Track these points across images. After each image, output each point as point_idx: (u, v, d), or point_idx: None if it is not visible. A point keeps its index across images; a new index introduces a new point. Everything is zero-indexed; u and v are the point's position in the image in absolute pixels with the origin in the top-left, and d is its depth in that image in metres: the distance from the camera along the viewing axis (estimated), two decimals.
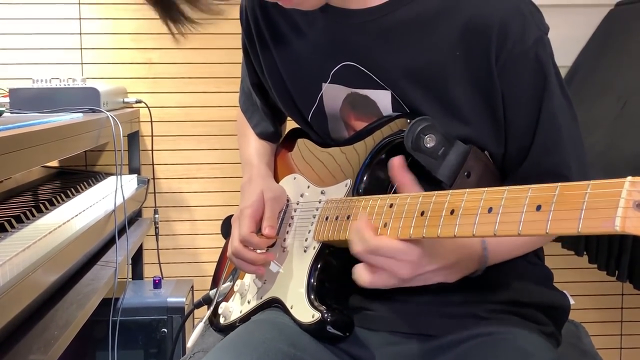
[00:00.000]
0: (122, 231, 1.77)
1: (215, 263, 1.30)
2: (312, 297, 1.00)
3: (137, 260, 2.31)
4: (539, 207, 0.69)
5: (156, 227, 2.35)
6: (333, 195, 1.05)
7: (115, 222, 1.72)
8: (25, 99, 1.84)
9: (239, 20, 1.16)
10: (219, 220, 1.29)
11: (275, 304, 1.07)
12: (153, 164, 2.39)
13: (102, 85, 1.96)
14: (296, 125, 1.24)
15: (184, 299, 1.98)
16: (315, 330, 0.99)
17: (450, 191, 0.81)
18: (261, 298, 1.10)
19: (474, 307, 1.02)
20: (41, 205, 1.52)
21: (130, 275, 2.22)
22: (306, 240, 1.05)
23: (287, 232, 1.11)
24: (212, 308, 1.17)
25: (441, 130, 0.96)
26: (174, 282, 2.14)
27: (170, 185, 2.41)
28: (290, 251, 1.08)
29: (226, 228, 1.28)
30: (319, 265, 1.02)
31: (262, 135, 1.26)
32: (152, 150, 2.38)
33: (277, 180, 1.19)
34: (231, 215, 1.30)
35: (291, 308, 1.03)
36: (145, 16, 2.32)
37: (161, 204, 2.38)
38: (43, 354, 1.13)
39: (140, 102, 2.27)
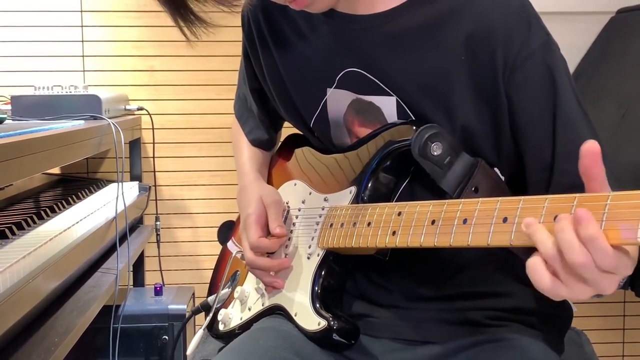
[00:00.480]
0: (123, 238, 1.77)
1: None
2: (318, 304, 0.99)
3: (138, 267, 2.31)
4: (556, 218, 0.68)
5: (157, 234, 2.34)
6: (337, 202, 1.04)
7: (116, 229, 1.72)
8: (27, 106, 1.84)
9: (239, 28, 1.15)
10: None
11: (278, 311, 1.07)
12: (154, 171, 2.39)
13: (103, 93, 1.96)
14: (290, 133, 1.23)
15: (185, 306, 1.98)
16: (320, 338, 0.98)
17: (463, 200, 0.81)
18: (263, 305, 1.09)
19: (476, 314, 1.02)
20: (42, 212, 1.52)
21: (131, 283, 2.22)
22: (309, 247, 1.04)
23: (289, 239, 1.10)
24: (211, 315, 1.17)
25: (448, 139, 0.95)
26: (175, 289, 2.13)
27: (172, 192, 2.41)
28: (293, 258, 1.08)
29: (223, 234, 1.28)
30: (323, 272, 1.01)
31: (254, 143, 1.25)
32: (153, 157, 2.38)
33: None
34: (228, 221, 1.30)
35: (295, 315, 1.02)
36: (147, 24, 2.33)
37: (162, 211, 2.38)
38: None
39: (141, 109, 2.27)
